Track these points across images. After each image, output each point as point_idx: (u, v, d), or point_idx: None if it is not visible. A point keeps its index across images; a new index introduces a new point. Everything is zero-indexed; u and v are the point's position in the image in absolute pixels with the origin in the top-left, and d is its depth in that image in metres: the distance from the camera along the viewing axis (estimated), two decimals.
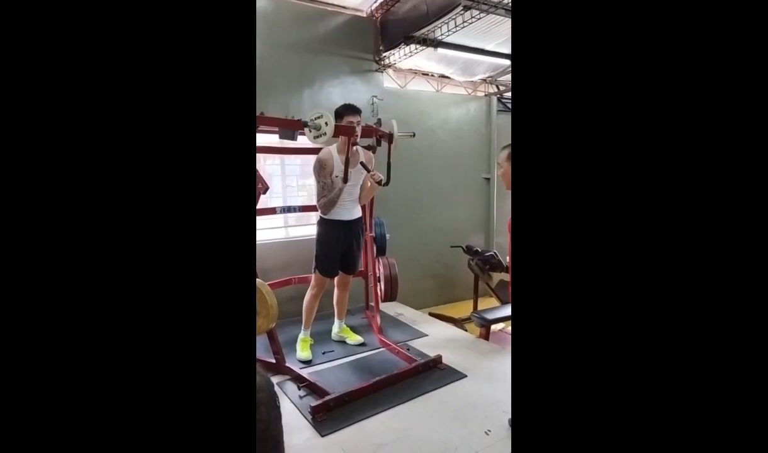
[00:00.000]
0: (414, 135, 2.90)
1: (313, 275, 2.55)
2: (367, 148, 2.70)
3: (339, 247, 2.49)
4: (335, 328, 2.82)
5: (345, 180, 2.25)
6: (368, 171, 2.37)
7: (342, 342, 2.77)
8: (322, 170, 2.34)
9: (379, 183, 2.35)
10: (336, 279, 2.65)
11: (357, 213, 2.55)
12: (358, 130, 2.31)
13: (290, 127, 2.20)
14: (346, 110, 2.34)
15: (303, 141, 2.29)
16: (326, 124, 2.10)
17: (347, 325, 2.84)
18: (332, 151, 2.39)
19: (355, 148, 2.37)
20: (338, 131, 2.20)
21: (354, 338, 2.75)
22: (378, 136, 2.68)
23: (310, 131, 2.12)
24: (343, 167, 2.26)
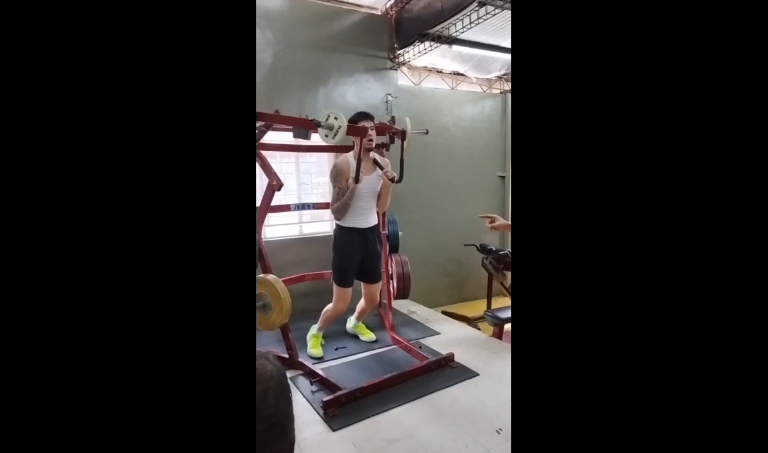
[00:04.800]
0: (427, 132, 2.90)
1: (334, 288, 2.53)
2: (381, 146, 2.71)
3: (356, 255, 2.48)
4: (350, 323, 2.85)
5: (356, 180, 2.26)
6: (381, 168, 2.38)
7: (355, 336, 2.80)
8: (338, 177, 2.36)
9: (392, 180, 2.36)
10: (363, 291, 2.63)
11: (373, 220, 2.54)
12: (372, 133, 2.33)
13: (303, 127, 2.22)
14: (359, 116, 2.37)
15: (317, 139, 2.30)
16: (339, 125, 2.12)
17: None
18: (349, 158, 2.40)
19: (371, 154, 2.39)
20: (351, 131, 2.22)
21: (367, 335, 2.79)
22: (391, 133, 2.68)
23: (323, 131, 2.14)
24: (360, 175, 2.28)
